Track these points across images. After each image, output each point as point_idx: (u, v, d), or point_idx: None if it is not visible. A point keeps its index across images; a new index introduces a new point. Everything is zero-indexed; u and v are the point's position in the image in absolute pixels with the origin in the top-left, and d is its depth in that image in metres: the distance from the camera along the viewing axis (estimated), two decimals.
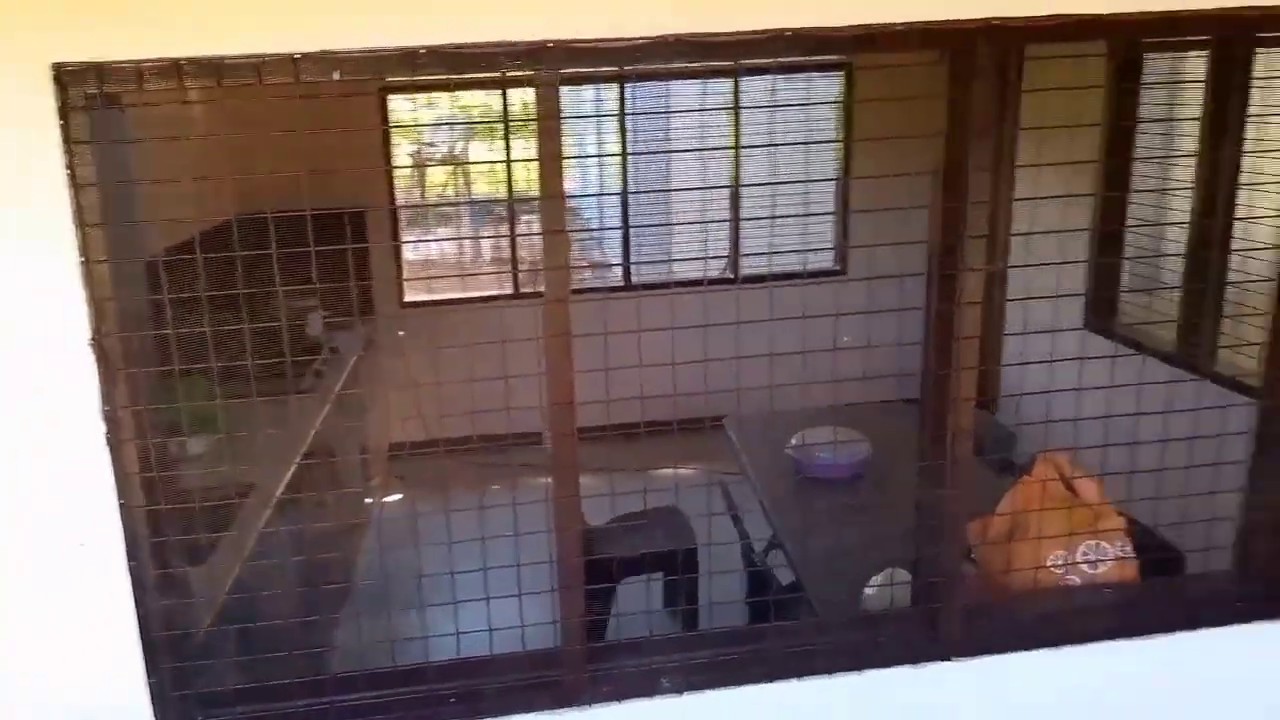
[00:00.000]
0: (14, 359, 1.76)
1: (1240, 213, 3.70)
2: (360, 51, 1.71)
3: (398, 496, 4.90)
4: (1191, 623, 2.20)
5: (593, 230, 7.41)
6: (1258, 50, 3.71)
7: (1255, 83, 3.71)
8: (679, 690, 2.05)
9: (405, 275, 5.89)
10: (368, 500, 4.67)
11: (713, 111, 6.28)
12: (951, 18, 1.82)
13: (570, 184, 7.66)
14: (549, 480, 1.99)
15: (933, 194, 1.99)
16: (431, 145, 7.86)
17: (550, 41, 1.73)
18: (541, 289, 1.88)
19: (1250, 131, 3.76)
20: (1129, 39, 3.83)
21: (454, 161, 7.54)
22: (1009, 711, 2.20)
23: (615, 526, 3.85)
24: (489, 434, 2.45)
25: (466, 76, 1.82)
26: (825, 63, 5.81)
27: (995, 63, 1.88)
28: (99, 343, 1.76)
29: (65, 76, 1.65)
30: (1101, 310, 4.35)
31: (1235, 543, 2.29)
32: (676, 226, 6.58)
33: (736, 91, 5.92)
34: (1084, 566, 2.24)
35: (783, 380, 2.22)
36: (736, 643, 2.13)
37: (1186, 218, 4.05)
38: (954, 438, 2.01)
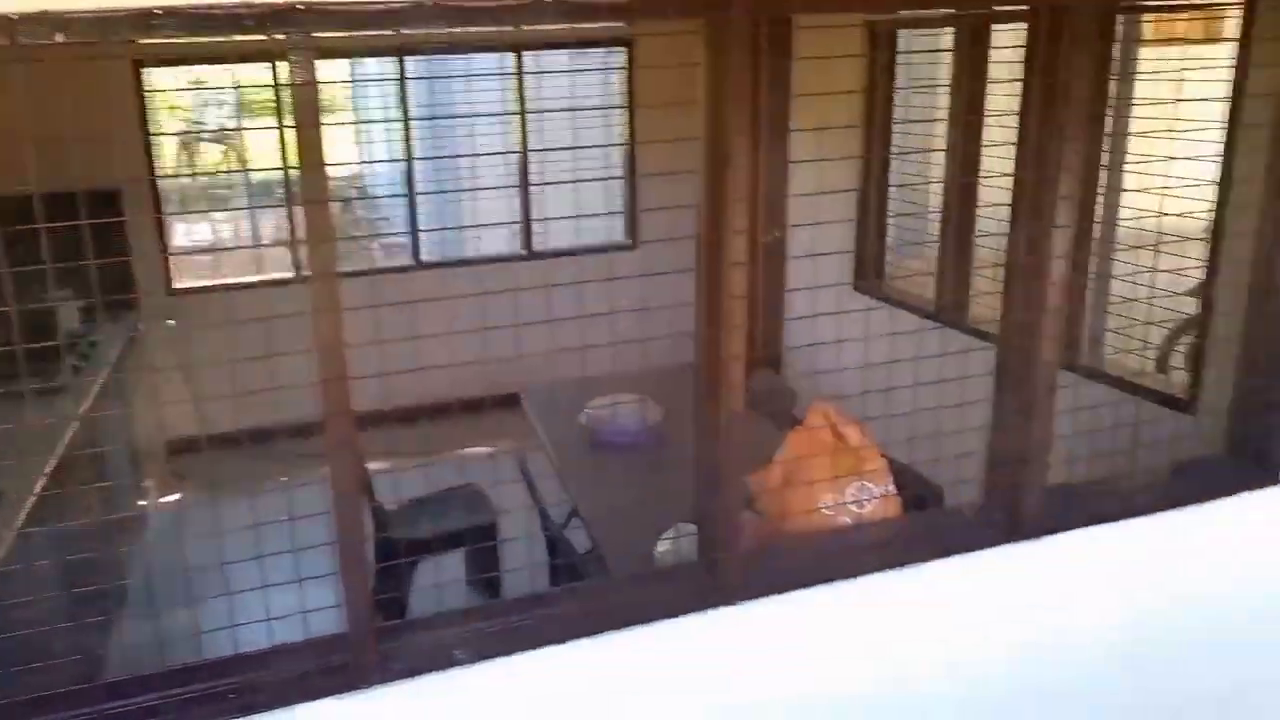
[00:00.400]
0: None
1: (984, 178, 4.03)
2: (87, 12, 1.58)
3: (176, 496, 4.63)
4: (946, 551, 2.39)
5: (365, 199, 7.21)
6: (994, 26, 4.05)
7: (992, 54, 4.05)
8: (472, 660, 2.05)
9: (175, 261, 5.54)
10: (142, 502, 4.39)
11: (499, 91, 6.23)
12: None
13: (358, 163, 7.44)
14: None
15: (701, 162, 2.06)
16: (202, 123, 7.39)
17: (299, 3, 1.66)
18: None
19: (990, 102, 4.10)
20: (882, 12, 4.08)
21: (204, 133, 7.11)
22: (790, 646, 2.32)
23: (413, 507, 3.81)
24: (272, 426, 2.37)
25: (209, 39, 1.72)
26: (608, 38, 5.88)
27: (750, 31, 1.95)
28: None
29: None
30: (868, 272, 4.64)
31: (983, 476, 2.52)
32: (467, 207, 6.51)
33: (520, 65, 5.89)
34: (852, 506, 2.39)
35: (579, 354, 2.26)
36: (528, 609, 2.15)
37: (940, 182, 4.39)
38: (727, 394, 2.10)
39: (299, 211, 1.85)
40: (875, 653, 2.42)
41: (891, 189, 4.68)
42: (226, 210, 6.50)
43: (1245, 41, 2.80)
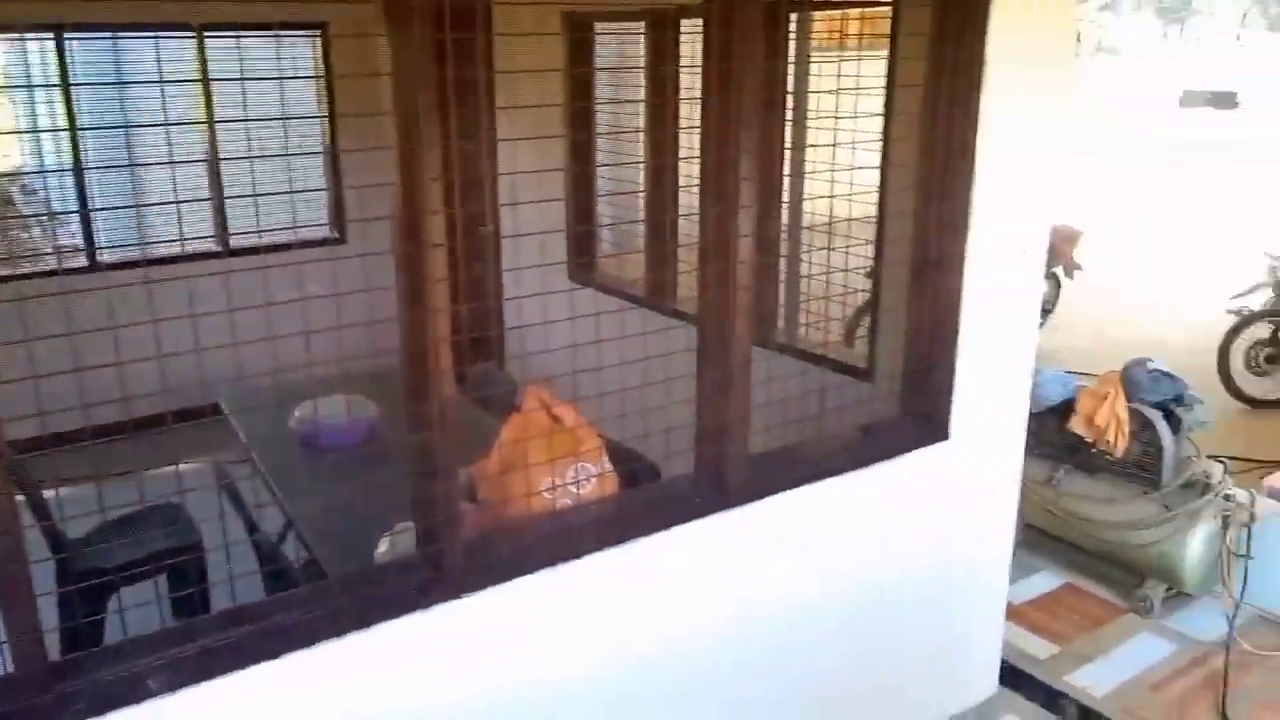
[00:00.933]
0: None
1: (683, 165, 4.20)
2: None
3: None
4: (661, 524, 2.47)
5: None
6: (683, 19, 4.23)
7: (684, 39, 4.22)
8: (172, 688, 1.87)
9: None
10: None
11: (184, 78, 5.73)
12: None
13: (20, 159, 6.65)
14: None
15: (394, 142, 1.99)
16: None
17: None
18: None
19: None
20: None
21: None
22: (516, 633, 2.32)
23: (102, 531, 3.43)
24: None
25: None
26: (299, 22, 5.58)
27: (433, 7, 1.91)
28: None
29: None
30: (580, 259, 4.73)
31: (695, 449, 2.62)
32: (149, 199, 5.98)
33: (202, 49, 5.46)
34: (571, 487, 2.42)
35: (283, 355, 2.12)
36: (232, 625, 1.99)
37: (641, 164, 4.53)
38: (436, 379, 2.05)
39: None
40: (597, 632, 2.46)
41: (600, 176, 4.77)
42: None
43: (894, 37, 3.10)
